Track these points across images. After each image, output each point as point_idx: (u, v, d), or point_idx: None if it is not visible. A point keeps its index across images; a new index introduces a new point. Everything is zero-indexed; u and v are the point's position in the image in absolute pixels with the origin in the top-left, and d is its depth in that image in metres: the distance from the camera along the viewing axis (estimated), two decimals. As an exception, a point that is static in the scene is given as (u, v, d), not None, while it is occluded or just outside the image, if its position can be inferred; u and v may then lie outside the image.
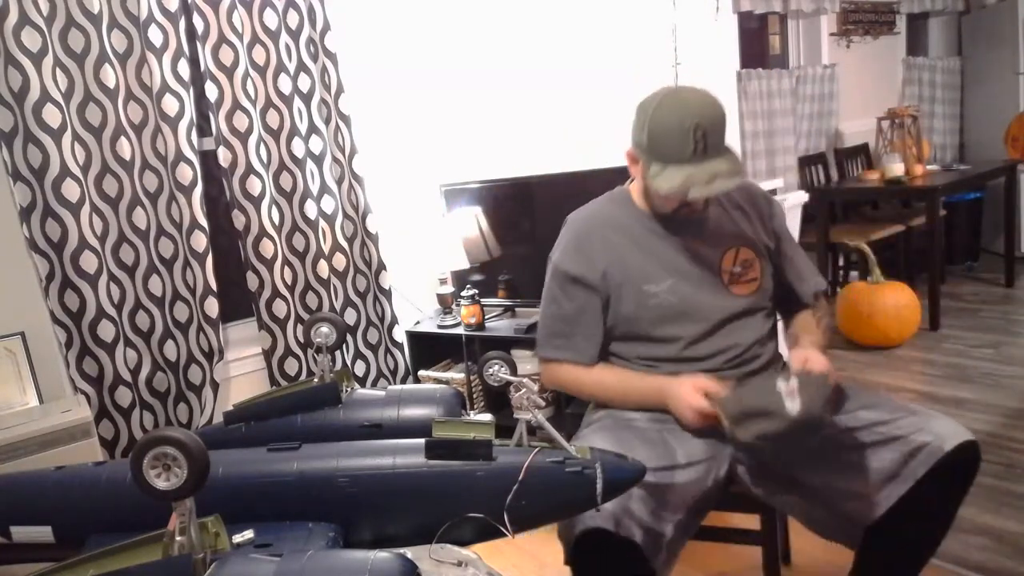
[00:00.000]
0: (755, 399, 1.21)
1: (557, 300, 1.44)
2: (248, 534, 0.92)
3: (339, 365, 2.45)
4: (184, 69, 2.08)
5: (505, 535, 0.99)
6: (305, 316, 2.38)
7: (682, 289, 1.36)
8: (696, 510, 1.32)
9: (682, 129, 1.21)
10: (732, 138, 2.80)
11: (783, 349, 1.47)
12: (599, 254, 1.40)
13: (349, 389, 1.29)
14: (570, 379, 1.44)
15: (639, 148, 1.31)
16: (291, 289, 2.35)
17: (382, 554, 0.84)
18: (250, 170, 2.22)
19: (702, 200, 1.33)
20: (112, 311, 2.00)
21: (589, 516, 1.16)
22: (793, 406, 1.17)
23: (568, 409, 2.38)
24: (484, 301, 2.49)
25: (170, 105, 2.06)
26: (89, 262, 1.94)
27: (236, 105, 2.19)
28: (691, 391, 1.26)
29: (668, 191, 1.24)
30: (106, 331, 1.98)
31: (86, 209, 1.93)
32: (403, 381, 2.64)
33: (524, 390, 1.05)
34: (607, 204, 1.47)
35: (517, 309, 2.56)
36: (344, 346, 2.49)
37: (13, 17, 1.80)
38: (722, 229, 1.40)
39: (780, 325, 1.50)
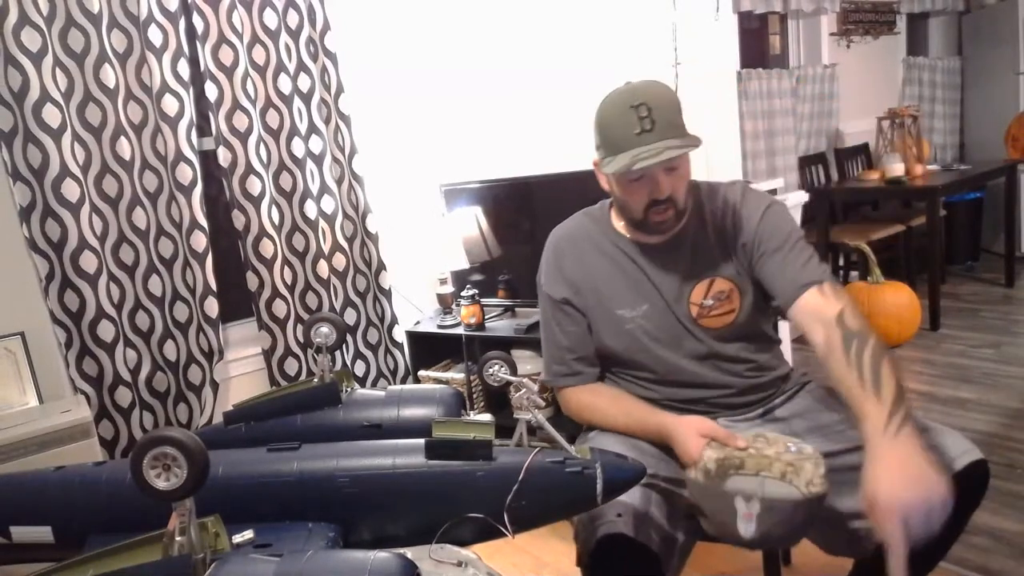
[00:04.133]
0: (712, 506, 1.12)
1: (550, 326, 1.43)
2: (248, 534, 0.92)
3: (339, 365, 2.46)
4: (184, 69, 2.08)
5: (505, 535, 0.99)
6: (305, 316, 2.38)
7: (656, 317, 1.33)
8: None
9: (626, 110, 1.19)
10: (732, 138, 2.81)
11: (789, 359, 1.40)
12: (574, 274, 1.38)
13: (349, 389, 1.29)
14: (577, 406, 1.41)
15: (597, 149, 1.28)
16: (291, 289, 2.35)
17: (382, 554, 0.84)
18: (250, 170, 2.22)
19: (666, 192, 1.23)
20: (112, 311, 2.00)
21: (611, 521, 1.14)
22: (747, 530, 1.08)
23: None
24: (484, 301, 2.49)
25: (170, 105, 2.06)
26: (89, 262, 1.94)
27: (236, 105, 2.19)
28: (696, 439, 1.18)
29: (616, 170, 1.19)
30: (106, 331, 1.98)
31: (86, 209, 1.93)
32: (403, 381, 2.64)
33: (524, 390, 1.05)
34: (586, 220, 1.43)
35: (517, 309, 2.56)
36: (344, 346, 2.49)
37: (13, 17, 1.80)
38: (698, 259, 1.33)
39: (787, 331, 1.42)
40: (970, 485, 1.16)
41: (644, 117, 1.18)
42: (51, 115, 1.86)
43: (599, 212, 1.43)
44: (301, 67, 2.33)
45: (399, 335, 2.63)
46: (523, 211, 2.47)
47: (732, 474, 1.12)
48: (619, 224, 1.38)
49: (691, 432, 1.19)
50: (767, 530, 1.07)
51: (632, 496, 1.14)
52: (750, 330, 1.34)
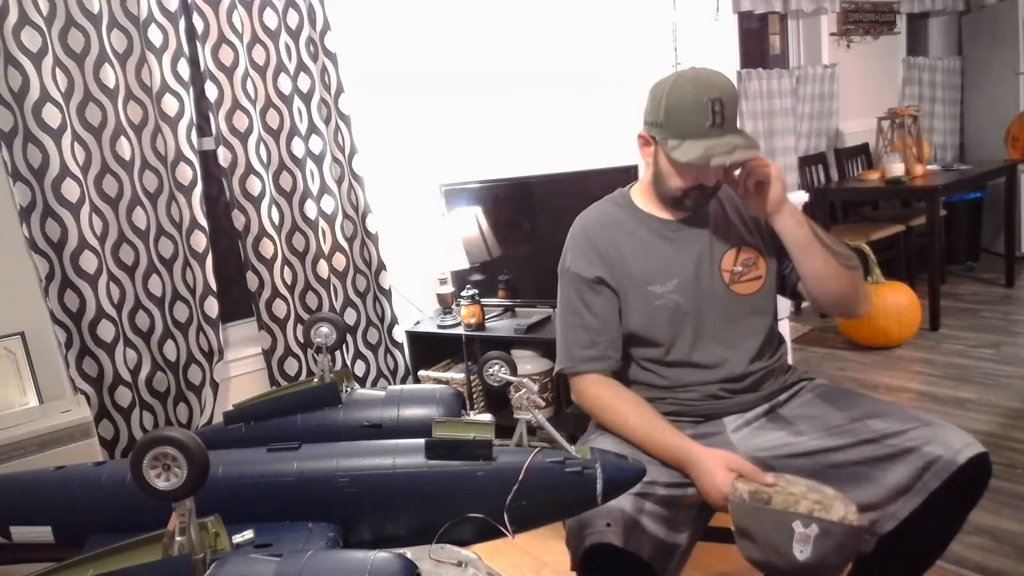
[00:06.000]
0: (765, 527, 1.10)
1: (577, 310, 1.39)
2: (248, 534, 0.92)
3: (339, 365, 2.46)
4: (184, 69, 2.08)
5: (505, 535, 0.99)
6: (305, 316, 2.38)
7: (687, 289, 1.35)
8: (706, 517, 1.32)
9: (700, 103, 1.22)
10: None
11: (790, 359, 1.43)
12: (606, 254, 1.39)
13: (349, 389, 1.29)
14: (595, 399, 1.37)
15: (654, 127, 1.30)
16: (291, 289, 2.35)
17: (382, 554, 0.84)
18: (250, 170, 2.22)
19: (715, 180, 1.31)
20: (112, 311, 2.00)
21: (599, 530, 1.15)
22: (802, 553, 1.06)
23: (568, 409, 2.38)
24: (484, 301, 2.49)
25: (170, 105, 2.06)
26: (89, 262, 1.94)
27: (236, 105, 2.19)
28: (724, 472, 1.17)
29: (690, 160, 1.23)
30: (106, 331, 1.98)
31: (86, 209, 1.93)
32: (403, 381, 2.64)
33: (524, 390, 1.05)
34: (609, 205, 1.46)
35: (517, 309, 2.57)
36: (344, 346, 2.49)
37: (13, 17, 1.80)
38: (722, 231, 1.39)
39: (787, 331, 1.45)
40: (972, 479, 1.17)
41: (717, 112, 1.22)
42: (51, 115, 1.86)
43: (620, 198, 1.47)
44: (301, 67, 2.33)
45: (399, 335, 2.63)
46: (523, 211, 2.47)
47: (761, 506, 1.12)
48: (643, 205, 1.42)
49: (719, 465, 1.18)
50: (821, 554, 1.06)
51: (623, 504, 1.15)
52: (773, 301, 1.41)
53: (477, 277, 2.55)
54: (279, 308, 2.32)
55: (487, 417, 1.09)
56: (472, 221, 2.52)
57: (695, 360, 1.35)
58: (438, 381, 2.53)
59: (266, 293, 2.30)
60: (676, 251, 1.37)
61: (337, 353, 2.44)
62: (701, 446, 1.24)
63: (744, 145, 1.23)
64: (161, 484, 0.83)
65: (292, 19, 2.30)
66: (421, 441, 1.02)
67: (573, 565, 1.21)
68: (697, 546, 1.36)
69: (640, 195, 1.43)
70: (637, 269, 1.37)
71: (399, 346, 2.63)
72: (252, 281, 2.28)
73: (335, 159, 2.44)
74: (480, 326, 2.45)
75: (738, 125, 1.29)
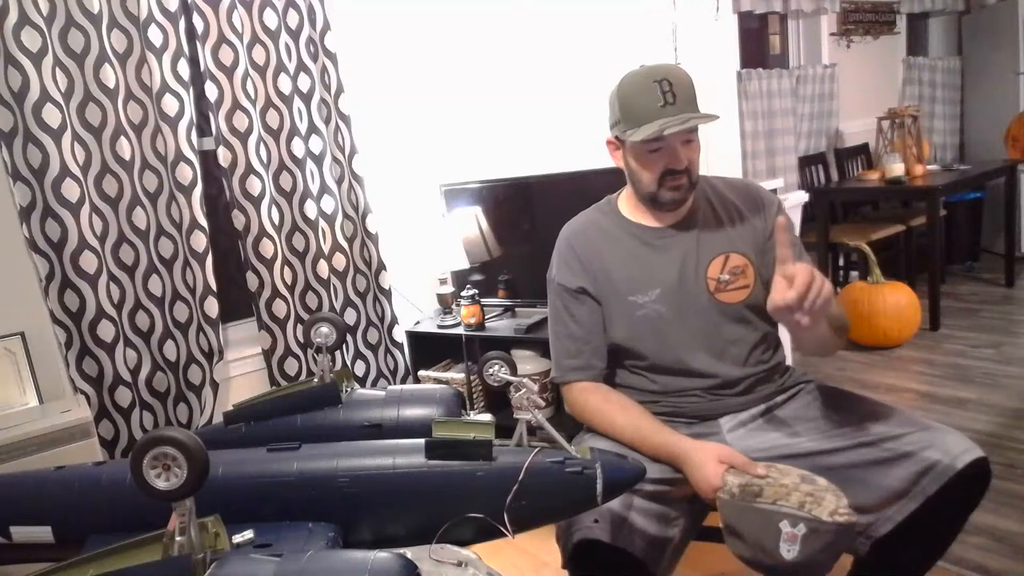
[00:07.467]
0: (752, 526, 1.10)
1: (562, 320, 1.41)
2: (248, 534, 0.92)
3: (339, 365, 2.46)
4: (184, 69, 2.08)
5: (505, 535, 0.99)
6: (305, 316, 2.38)
7: (669, 298, 1.34)
8: (699, 512, 1.32)
9: (650, 84, 1.25)
10: (732, 138, 2.81)
11: (790, 360, 1.43)
12: (589, 263, 1.39)
13: (349, 389, 1.28)
14: (583, 406, 1.38)
15: (616, 126, 1.33)
16: (291, 289, 2.35)
17: (382, 554, 0.84)
18: (250, 170, 2.22)
19: (684, 163, 1.29)
20: (112, 311, 2.00)
21: (587, 526, 1.15)
22: (789, 553, 1.06)
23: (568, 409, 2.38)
24: (484, 301, 2.49)
25: (170, 105, 2.06)
26: (89, 262, 1.94)
27: (236, 105, 2.19)
28: (714, 464, 1.17)
29: (645, 137, 1.24)
30: (106, 331, 1.98)
31: (86, 209, 1.93)
32: (403, 381, 2.64)
33: (524, 390, 1.05)
34: (595, 214, 1.47)
35: (517, 309, 2.57)
36: (344, 346, 2.49)
37: (13, 17, 1.80)
38: (710, 236, 1.37)
39: (786, 334, 1.44)
40: (971, 484, 1.17)
41: (667, 91, 1.24)
42: (51, 115, 1.86)
43: (606, 205, 1.47)
44: (301, 67, 2.33)
45: (399, 335, 2.63)
46: (523, 211, 2.47)
47: (750, 501, 1.11)
48: (628, 212, 1.42)
49: (710, 458, 1.18)
50: (810, 553, 1.06)
51: (612, 501, 1.14)
52: (762, 309, 1.35)
53: (477, 277, 2.55)
54: (279, 308, 2.32)
55: (487, 417, 1.09)
56: (472, 221, 2.52)
57: (683, 368, 1.35)
58: (438, 381, 2.53)
59: (266, 293, 2.30)
60: (660, 259, 1.36)
61: (337, 353, 2.43)
62: (692, 440, 1.24)
63: (700, 117, 1.25)
64: (161, 484, 0.83)
65: (292, 19, 2.30)
66: (421, 441, 1.02)
67: (563, 562, 1.21)
68: (695, 546, 1.36)
69: (625, 203, 1.43)
70: (619, 279, 1.37)
71: (399, 346, 2.63)
72: (252, 281, 2.28)
73: (335, 159, 2.44)
74: (480, 326, 2.45)
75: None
